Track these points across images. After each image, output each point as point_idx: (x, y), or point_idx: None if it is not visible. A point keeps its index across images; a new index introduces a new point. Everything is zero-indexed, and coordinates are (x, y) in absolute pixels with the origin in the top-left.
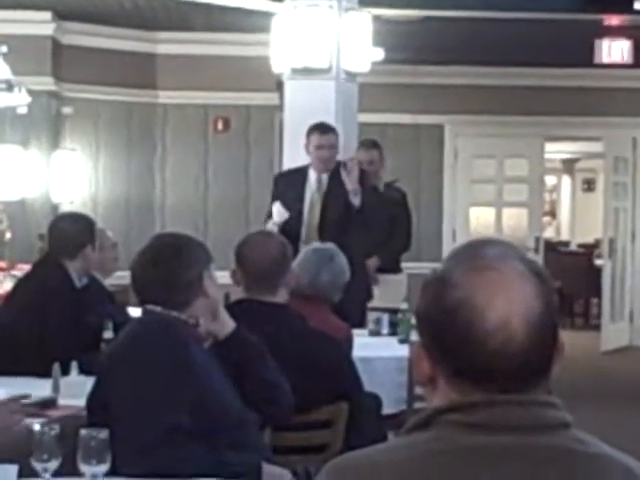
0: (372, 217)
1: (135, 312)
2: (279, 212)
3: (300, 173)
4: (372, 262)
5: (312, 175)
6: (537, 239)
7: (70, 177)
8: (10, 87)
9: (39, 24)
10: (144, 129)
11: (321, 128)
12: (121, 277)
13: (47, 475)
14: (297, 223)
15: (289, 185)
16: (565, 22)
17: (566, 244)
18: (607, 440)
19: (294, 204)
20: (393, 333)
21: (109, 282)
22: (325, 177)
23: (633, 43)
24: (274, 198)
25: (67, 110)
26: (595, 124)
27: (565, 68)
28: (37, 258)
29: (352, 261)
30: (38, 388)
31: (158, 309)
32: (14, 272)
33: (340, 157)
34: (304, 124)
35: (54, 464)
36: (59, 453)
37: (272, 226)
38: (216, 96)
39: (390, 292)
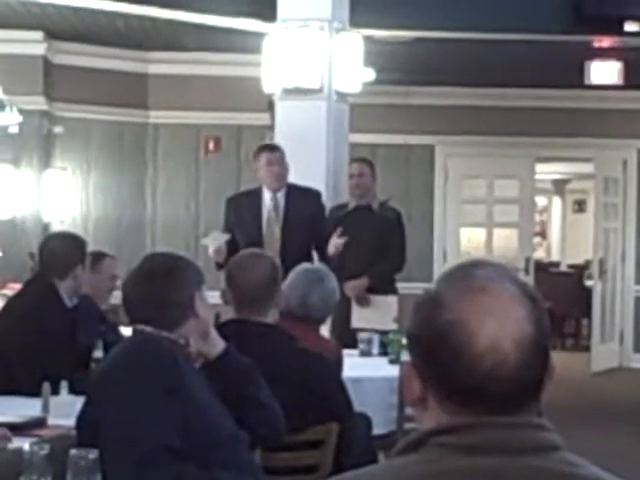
0: (363, 237)
1: (127, 331)
2: (216, 237)
3: (253, 194)
4: (361, 282)
5: (266, 194)
6: (527, 260)
7: (61, 196)
8: (1, 106)
9: (30, 44)
10: (135, 149)
11: (269, 147)
12: (112, 296)
13: None
14: (257, 243)
15: (244, 207)
16: (556, 44)
17: (556, 265)
18: (598, 462)
19: (252, 225)
20: (384, 353)
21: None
22: (281, 196)
23: (623, 64)
24: (227, 222)
25: (58, 129)
26: (586, 145)
27: (556, 89)
28: (28, 277)
29: None
30: (28, 407)
31: (148, 329)
32: (4, 291)
33: (330, 178)
34: (295, 144)
35: None
36: (49, 473)
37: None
38: (207, 116)
39: (380, 314)
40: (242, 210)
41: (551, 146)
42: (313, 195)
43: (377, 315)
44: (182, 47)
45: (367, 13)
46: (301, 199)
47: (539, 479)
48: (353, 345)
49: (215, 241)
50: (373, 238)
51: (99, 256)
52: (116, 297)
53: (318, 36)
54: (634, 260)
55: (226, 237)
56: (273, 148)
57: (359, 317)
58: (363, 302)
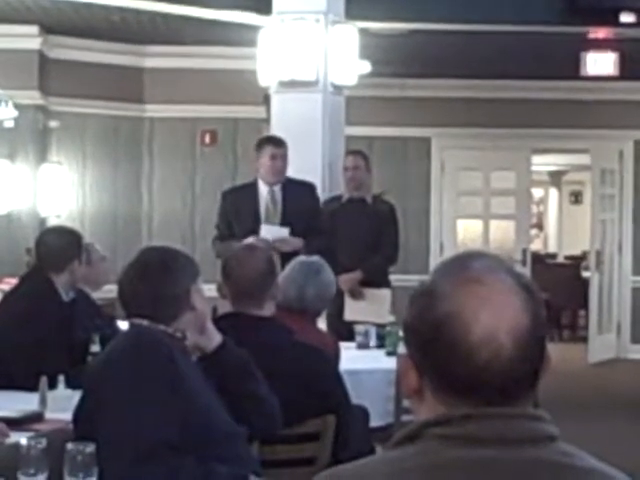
0: (357, 230)
1: (124, 325)
2: (277, 230)
3: (249, 188)
4: (355, 275)
5: (263, 188)
6: (524, 251)
7: (57, 191)
8: None
9: (26, 38)
10: (131, 143)
11: (274, 141)
12: (108, 290)
13: None
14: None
15: (240, 200)
16: (551, 35)
17: (553, 256)
18: (595, 453)
19: (250, 218)
20: (381, 346)
21: (97, 295)
22: (277, 189)
23: (619, 55)
24: (223, 215)
25: (54, 124)
26: (582, 136)
27: (551, 81)
28: (24, 272)
29: None
30: (25, 402)
31: (145, 323)
32: (1, 286)
33: (326, 170)
34: (291, 137)
35: (41, 478)
36: (46, 467)
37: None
38: (203, 109)
39: (373, 307)
40: (239, 203)
41: (547, 138)
42: (308, 188)
43: (370, 308)
44: (178, 41)
45: (362, 5)
46: (298, 192)
47: (536, 470)
48: (349, 338)
49: (270, 234)
50: (366, 231)
51: (86, 246)
52: (112, 291)
53: (314, 29)
54: (631, 251)
55: (284, 233)
56: (278, 142)
57: (352, 310)
58: (356, 295)
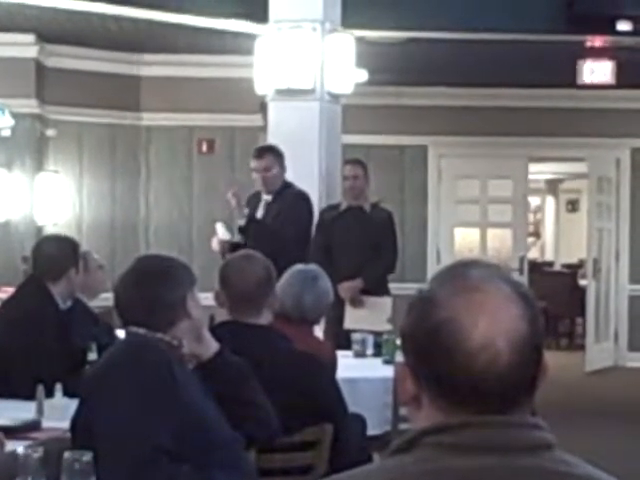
0: (355, 238)
1: (121, 334)
2: (222, 232)
3: (257, 196)
4: (356, 284)
5: (264, 197)
6: (521, 259)
7: (54, 199)
8: None
9: (23, 46)
10: (128, 151)
11: (256, 152)
12: (105, 299)
13: None
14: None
15: (250, 207)
16: (548, 43)
17: (550, 264)
18: (592, 461)
19: None
20: (378, 354)
21: (94, 304)
22: (270, 199)
23: (616, 64)
24: None
25: (51, 132)
26: (579, 145)
27: (548, 89)
28: (21, 280)
29: None
30: (22, 410)
31: (141, 331)
32: None
33: (323, 179)
34: (288, 145)
35: None
36: (43, 476)
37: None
38: (200, 118)
39: (374, 315)
40: (249, 209)
41: (544, 146)
42: (291, 195)
43: (371, 316)
44: (174, 49)
45: (359, 14)
46: (280, 201)
47: (534, 478)
48: (347, 346)
49: (222, 231)
50: (365, 239)
51: (83, 254)
52: (109, 299)
53: (310, 37)
54: (628, 259)
55: (227, 237)
56: (258, 154)
57: (352, 318)
58: (357, 303)
